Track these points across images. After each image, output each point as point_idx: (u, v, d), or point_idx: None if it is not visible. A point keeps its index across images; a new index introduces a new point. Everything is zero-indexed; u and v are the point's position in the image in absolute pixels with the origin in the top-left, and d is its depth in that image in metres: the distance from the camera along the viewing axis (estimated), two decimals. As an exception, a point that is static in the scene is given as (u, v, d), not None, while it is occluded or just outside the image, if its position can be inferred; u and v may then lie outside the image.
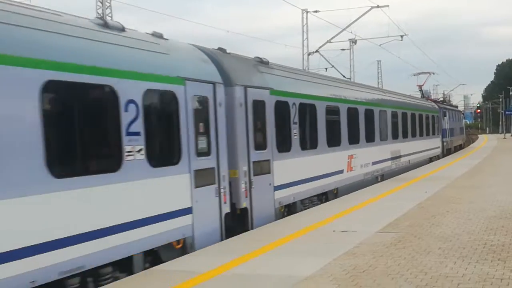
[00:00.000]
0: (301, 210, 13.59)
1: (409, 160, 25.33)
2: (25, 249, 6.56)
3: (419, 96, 40.64)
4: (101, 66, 7.81)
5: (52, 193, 6.90)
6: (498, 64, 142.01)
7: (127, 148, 8.12)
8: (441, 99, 59.69)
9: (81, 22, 8.22)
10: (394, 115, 23.07)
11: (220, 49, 12.10)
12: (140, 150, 8.38)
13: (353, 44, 48.45)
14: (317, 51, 30.34)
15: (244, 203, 11.25)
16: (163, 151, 9.38)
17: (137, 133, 8.33)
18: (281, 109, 13.08)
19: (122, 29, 8.91)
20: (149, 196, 8.56)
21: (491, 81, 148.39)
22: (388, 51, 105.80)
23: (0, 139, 6.34)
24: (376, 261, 8.07)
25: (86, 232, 7.36)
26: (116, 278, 7.87)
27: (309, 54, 42.33)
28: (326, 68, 41.87)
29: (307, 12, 45.66)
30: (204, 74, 10.26)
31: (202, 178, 9.80)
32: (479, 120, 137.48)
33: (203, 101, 10.09)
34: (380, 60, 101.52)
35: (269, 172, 12.26)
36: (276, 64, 14.20)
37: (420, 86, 44.39)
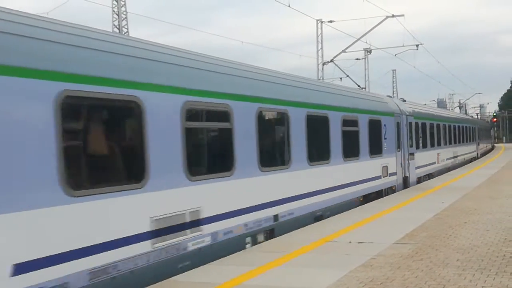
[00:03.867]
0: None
1: None
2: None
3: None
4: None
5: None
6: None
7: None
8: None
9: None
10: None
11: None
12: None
13: (368, 53, 48.49)
14: (331, 60, 30.29)
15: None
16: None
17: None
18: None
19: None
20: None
21: (507, 90, 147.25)
22: (403, 61, 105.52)
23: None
24: (393, 273, 8.01)
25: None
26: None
27: (323, 64, 42.37)
28: (340, 78, 41.88)
29: (321, 22, 45.78)
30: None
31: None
32: (495, 129, 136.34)
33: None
34: (395, 70, 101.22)
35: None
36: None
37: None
